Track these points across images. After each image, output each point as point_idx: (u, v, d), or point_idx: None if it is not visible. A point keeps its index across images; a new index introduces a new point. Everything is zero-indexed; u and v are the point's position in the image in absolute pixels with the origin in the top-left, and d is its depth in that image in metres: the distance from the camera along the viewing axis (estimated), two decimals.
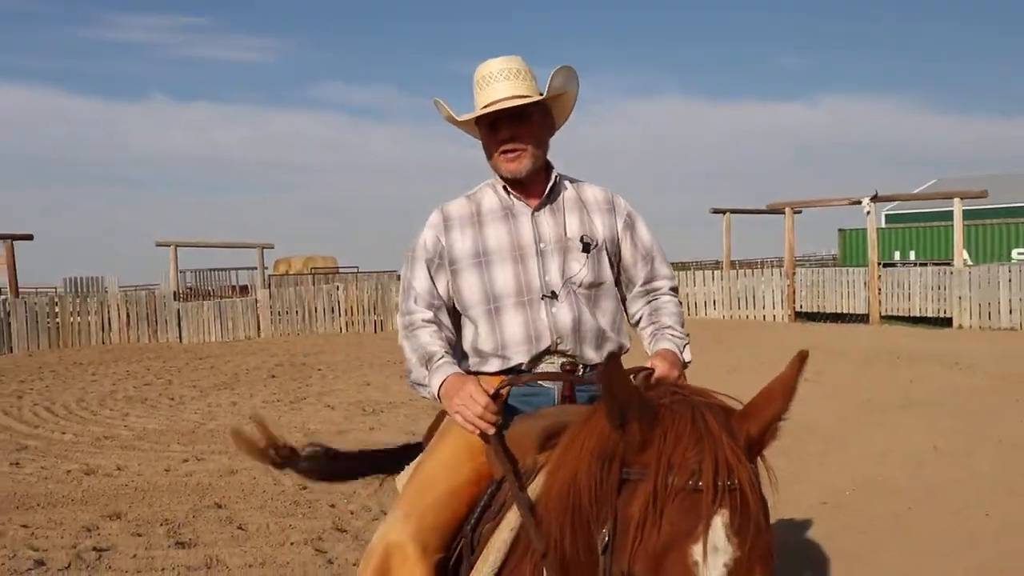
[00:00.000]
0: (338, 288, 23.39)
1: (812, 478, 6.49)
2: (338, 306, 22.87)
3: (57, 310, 20.64)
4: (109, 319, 21.02)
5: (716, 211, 24.14)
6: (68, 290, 22.77)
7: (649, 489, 1.42)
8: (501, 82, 2.43)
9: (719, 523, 1.38)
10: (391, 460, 3.01)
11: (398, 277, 26.12)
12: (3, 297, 21.02)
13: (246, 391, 12.50)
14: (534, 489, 1.99)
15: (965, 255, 21.43)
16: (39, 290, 26.97)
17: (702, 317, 22.37)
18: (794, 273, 22.29)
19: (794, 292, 22.03)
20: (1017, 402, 9.55)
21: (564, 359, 2.44)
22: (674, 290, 2.67)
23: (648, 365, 2.24)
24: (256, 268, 23.94)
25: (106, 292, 22.17)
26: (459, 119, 2.53)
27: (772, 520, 1.49)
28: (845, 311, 21.27)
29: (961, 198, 20.43)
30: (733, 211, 24.32)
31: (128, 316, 21.14)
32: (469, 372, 2.44)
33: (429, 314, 2.50)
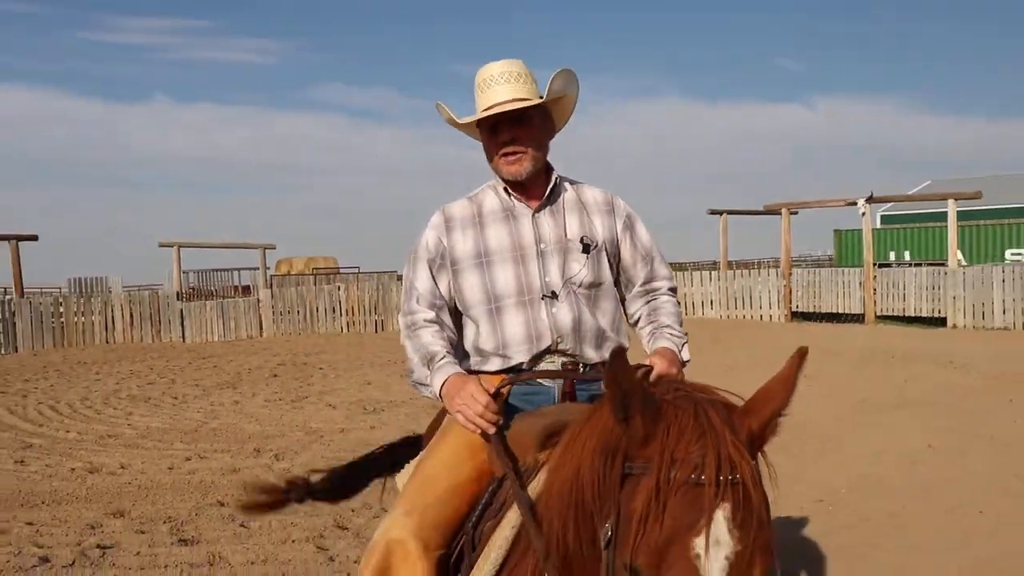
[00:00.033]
0: (339, 288, 23.37)
1: (808, 476, 6.50)
2: (339, 306, 22.86)
3: (61, 310, 20.63)
4: (113, 319, 21.01)
5: (713, 212, 24.14)
6: (72, 290, 22.77)
7: (652, 483, 1.42)
8: (502, 85, 2.44)
9: (721, 517, 1.38)
10: (391, 458, 3.02)
11: (398, 277, 26.21)
12: (8, 297, 21.03)
13: (248, 390, 12.50)
14: (535, 487, 2.00)
15: (959, 255, 21.45)
16: (44, 290, 26.99)
17: (699, 317, 22.37)
18: (790, 273, 22.29)
19: (790, 292, 22.03)
20: (1010, 401, 9.55)
21: (564, 358, 2.45)
22: (673, 290, 2.67)
23: (647, 363, 2.24)
24: (258, 268, 23.93)
25: (110, 292, 22.15)
26: (460, 122, 2.53)
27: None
28: (841, 311, 21.28)
29: (955, 199, 20.46)
30: (730, 212, 24.32)
31: (132, 316, 21.13)
32: (470, 371, 2.45)
33: (431, 314, 2.51)
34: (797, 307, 22.03)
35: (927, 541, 5.16)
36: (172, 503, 6.37)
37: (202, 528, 5.74)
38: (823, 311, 21.57)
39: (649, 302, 2.62)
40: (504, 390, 2.36)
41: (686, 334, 2.54)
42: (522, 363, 2.44)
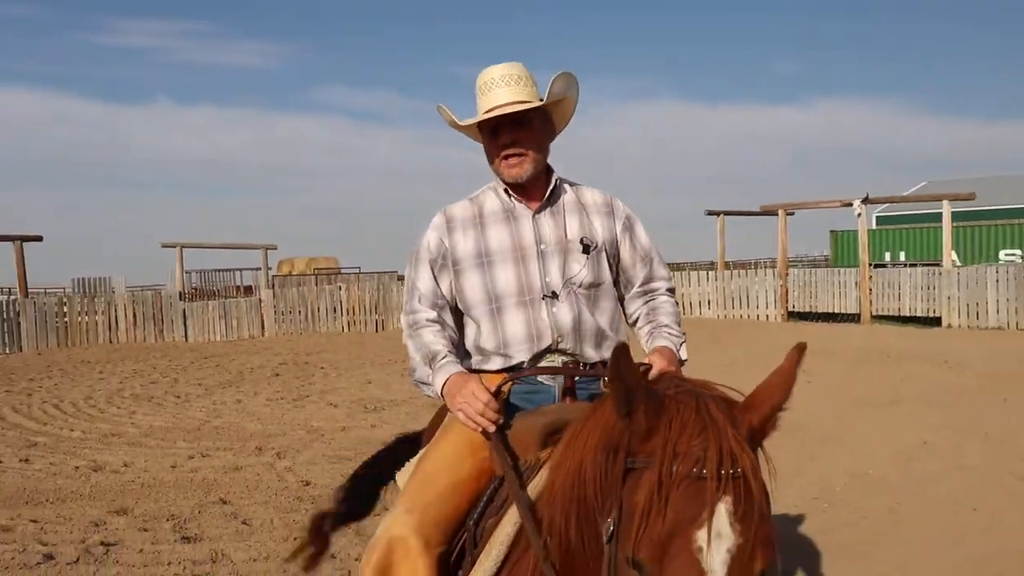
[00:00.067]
0: (340, 288, 23.38)
1: (806, 473, 6.50)
2: (340, 306, 22.87)
3: (65, 310, 20.63)
4: (116, 319, 21.01)
5: (711, 213, 24.16)
6: (76, 290, 22.73)
7: (654, 477, 1.42)
8: (502, 88, 2.44)
9: (723, 510, 1.39)
10: (392, 459, 3.02)
11: (399, 278, 26.20)
12: (13, 297, 21.02)
13: (250, 389, 12.50)
14: (536, 485, 2.00)
15: (954, 256, 21.47)
16: (48, 290, 26.98)
17: (697, 317, 22.38)
18: (787, 273, 22.29)
19: (787, 292, 22.03)
20: (1004, 400, 9.56)
21: (565, 358, 2.45)
22: (671, 291, 2.68)
23: (646, 362, 2.25)
24: (260, 269, 23.93)
25: (113, 292, 22.14)
26: (461, 124, 2.54)
27: None
28: (837, 311, 21.28)
29: (950, 200, 20.47)
30: (727, 213, 24.34)
31: (135, 316, 21.13)
32: (471, 370, 2.45)
33: (433, 313, 2.51)
34: (793, 307, 22.03)
35: (924, 538, 5.16)
36: (175, 501, 6.37)
37: (204, 526, 5.73)
38: (819, 311, 21.57)
39: (648, 302, 2.63)
40: (505, 389, 2.37)
41: (684, 333, 2.54)
42: (523, 362, 2.45)
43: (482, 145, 2.56)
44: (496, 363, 2.47)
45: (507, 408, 2.32)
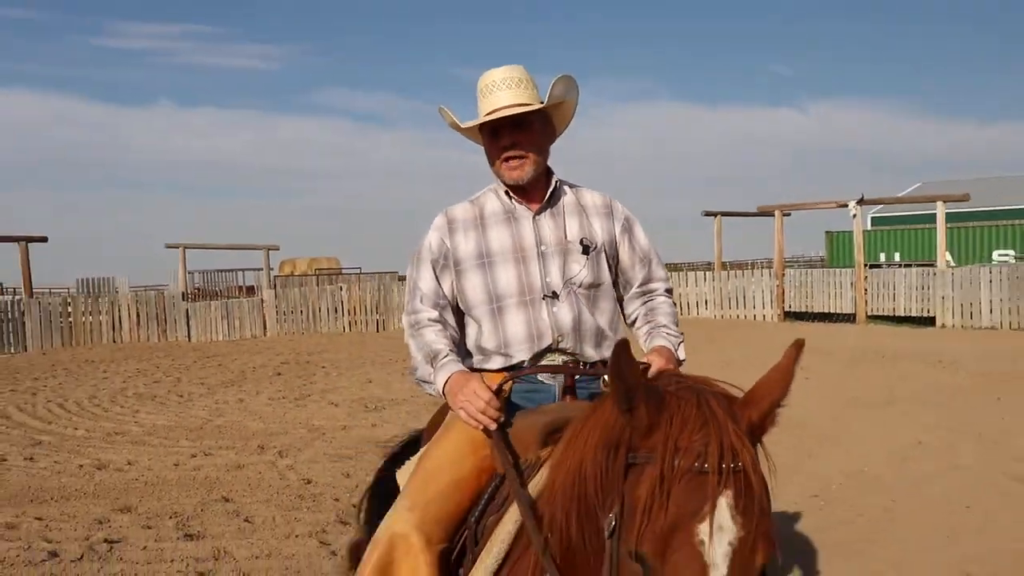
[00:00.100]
0: (341, 288, 23.39)
1: (802, 472, 6.51)
2: (341, 306, 22.88)
3: (70, 310, 20.64)
4: (120, 318, 21.01)
5: (708, 214, 24.19)
6: (80, 290, 22.74)
7: (656, 471, 1.43)
8: (503, 91, 2.45)
9: (724, 504, 1.39)
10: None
11: (399, 278, 26.18)
12: (17, 297, 21.04)
13: (252, 388, 12.50)
14: (536, 484, 2.00)
15: (948, 256, 21.48)
16: (52, 290, 26.95)
17: (694, 317, 22.40)
18: (783, 274, 22.31)
19: (783, 292, 22.05)
20: (998, 399, 9.56)
21: (565, 357, 2.46)
22: (669, 292, 2.69)
23: (645, 361, 2.25)
24: (262, 269, 23.95)
25: (117, 292, 22.15)
26: (463, 126, 2.54)
27: None
28: (832, 311, 21.29)
29: (944, 201, 20.50)
30: (724, 214, 24.37)
31: (138, 315, 21.14)
32: (472, 369, 2.46)
33: (434, 313, 2.52)
34: (790, 307, 22.05)
35: (918, 537, 5.16)
36: (178, 499, 6.37)
37: (207, 523, 5.73)
38: (815, 311, 21.58)
39: (646, 303, 2.64)
40: (505, 387, 2.37)
41: (682, 334, 2.55)
42: (523, 361, 2.45)
43: (483, 147, 2.57)
44: (497, 362, 2.48)
45: (508, 407, 2.32)
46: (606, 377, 2.41)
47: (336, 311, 22.82)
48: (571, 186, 2.63)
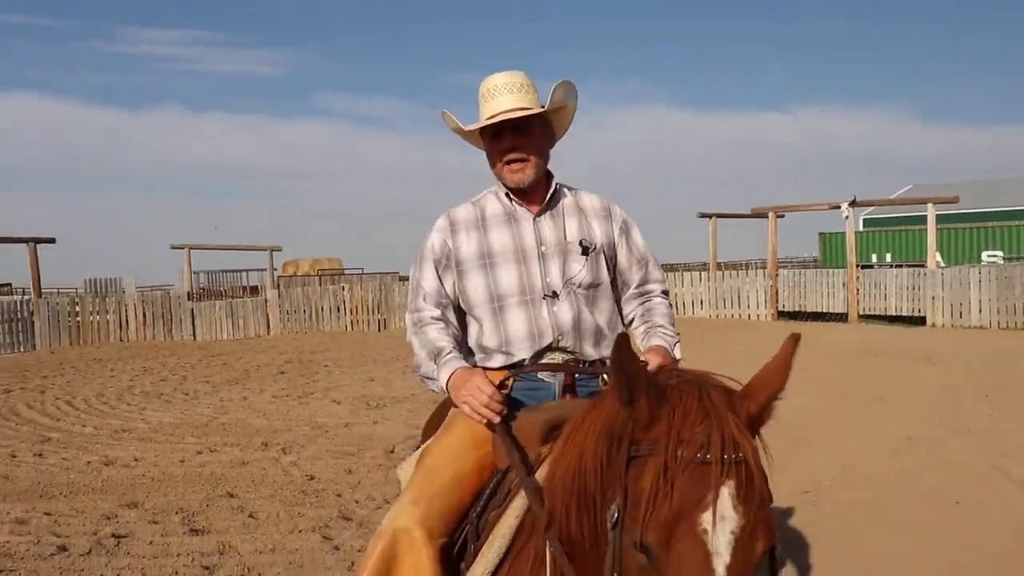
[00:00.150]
0: (343, 288, 23.38)
1: (795, 467, 6.51)
2: (343, 305, 22.87)
3: (78, 309, 20.63)
4: (127, 318, 21.00)
5: (703, 215, 24.20)
6: (88, 290, 22.79)
7: (660, 462, 1.43)
8: (505, 95, 2.46)
9: (726, 493, 1.40)
10: None
11: (401, 278, 26.15)
12: (27, 297, 21.03)
13: (256, 386, 12.49)
14: (537, 479, 2.00)
15: (938, 257, 21.49)
16: (61, 291, 26.95)
17: (690, 316, 22.39)
18: (777, 274, 22.30)
19: (777, 292, 22.05)
20: (986, 396, 9.58)
21: (565, 355, 2.47)
22: (665, 293, 2.70)
23: (642, 359, 2.25)
24: (266, 270, 23.99)
25: (124, 292, 22.19)
26: (465, 129, 2.55)
27: None
28: (825, 310, 21.30)
29: (934, 203, 20.52)
30: (719, 215, 24.38)
31: (145, 315, 21.12)
32: (475, 367, 2.46)
33: (437, 312, 2.53)
34: (783, 307, 22.05)
35: (909, 530, 5.17)
36: (184, 495, 6.37)
37: (212, 519, 5.74)
38: (808, 310, 21.59)
39: (643, 303, 2.65)
40: (508, 382, 2.38)
41: (678, 334, 2.56)
42: (524, 359, 2.46)
43: (484, 151, 2.58)
44: (498, 360, 2.49)
45: (510, 402, 2.33)
46: (605, 376, 2.43)
47: (338, 311, 22.81)
48: (570, 189, 2.64)
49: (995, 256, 26.00)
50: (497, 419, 2.22)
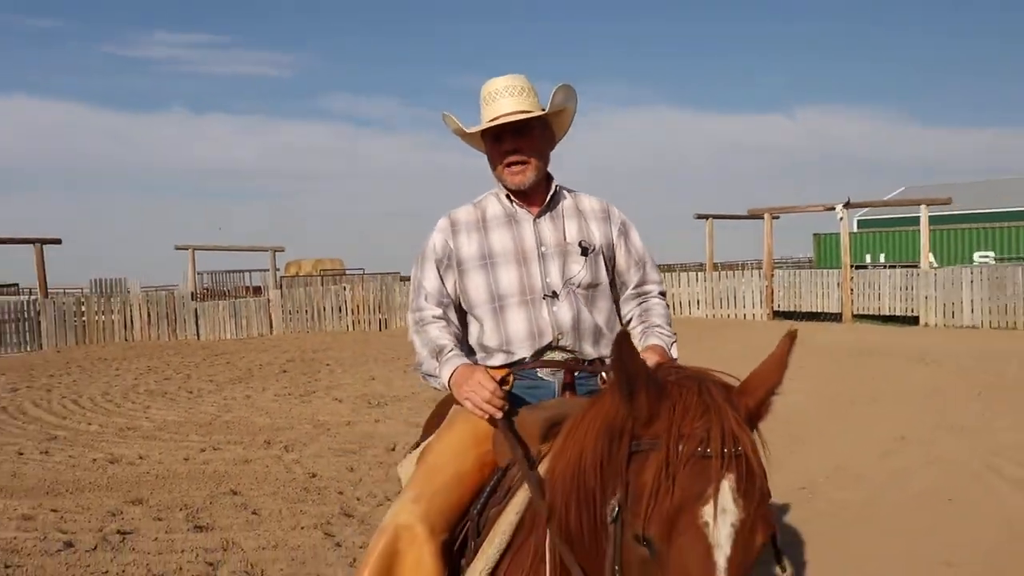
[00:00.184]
0: (345, 289, 23.38)
1: (788, 466, 6.51)
2: (345, 305, 22.87)
3: (83, 309, 20.62)
4: (131, 318, 21.00)
5: (700, 216, 24.20)
6: (93, 291, 22.73)
7: (662, 457, 1.43)
8: (506, 98, 2.47)
9: (727, 487, 1.40)
10: None
11: (401, 278, 26.13)
12: (33, 297, 21.03)
13: (259, 385, 12.50)
14: (539, 474, 2.00)
15: (931, 258, 21.53)
16: (66, 291, 26.93)
17: (686, 316, 22.39)
18: (772, 275, 22.31)
19: (772, 292, 22.06)
20: (979, 395, 9.59)
21: (564, 354, 2.48)
22: (662, 294, 2.71)
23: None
24: (268, 270, 23.96)
25: (128, 292, 22.15)
26: (467, 131, 2.56)
27: None
28: (820, 310, 21.30)
29: (927, 205, 20.54)
30: (716, 216, 24.38)
31: (149, 315, 21.12)
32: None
33: (439, 311, 2.53)
34: (779, 306, 22.05)
35: (901, 528, 5.18)
36: (188, 492, 6.38)
37: (216, 515, 5.74)
38: (803, 310, 21.58)
39: (641, 303, 2.65)
40: (510, 379, 2.39)
41: (675, 334, 2.57)
42: (524, 358, 2.47)
43: (485, 153, 2.59)
44: (499, 359, 2.49)
45: (512, 399, 2.33)
46: (604, 374, 2.44)
47: (340, 310, 22.81)
48: (570, 191, 2.65)
49: (987, 257, 26.00)
50: (499, 415, 2.23)
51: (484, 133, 2.52)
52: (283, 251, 24.85)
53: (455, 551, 2.21)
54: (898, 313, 19.78)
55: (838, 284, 20.96)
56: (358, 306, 22.91)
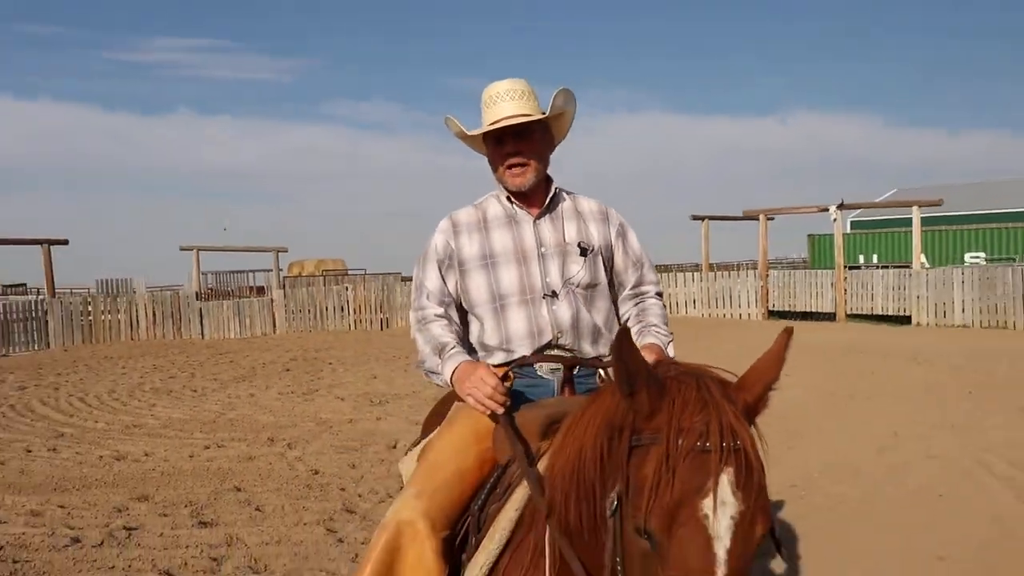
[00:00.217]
0: (347, 288, 23.35)
1: (784, 462, 6.51)
2: (347, 305, 22.85)
3: (90, 309, 20.60)
4: (137, 317, 20.99)
5: (696, 218, 24.19)
6: (100, 290, 22.72)
7: (662, 451, 1.44)
8: (507, 102, 2.47)
9: (726, 480, 1.41)
10: None
11: (403, 278, 26.11)
12: (40, 297, 21.01)
13: (263, 383, 12.49)
14: (539, 470, 2.00)
15: (923, 258, 21.50)
16: (73, 291, 26.91)
17: (683, 316, 22.39)
18: (767, 275, 22.32)
19: (767, 292, 22.06)
20: (970, 393, 9.59)
21: (564, 353, 2.48)
22: (659, 295, 2.71)
23: None
24: (272, 270, 23.91)
25: (134, 292, 22.13)
26: (468, 134, 2.56)
27: None
28: (814, 310, 21.30)
29: (919, 206, 20.52)
30: (711, 218, 24.38)
31: (154, 314, 21.11)
32: None
33: (440, 309, 2.54)
34: (774, 306, 22.06)
35: (895, 524, 5.18)
36: (192, 488, 6.37)
37: (220, 511, 5.74)
38: (798, 310, 21.59)
39: (638, 304, 2.66)
40: (511, 375, 2.39)
41: (671, 333, 2.57)
42: (525, 357, 2.47)
43: (485, 155, 2.60)
44: (499, 358, 2.49)
45: (513, 396, 2.33)
46: (601, 372, 2.44)
47: (342, 310, 22.80)
48: (569, 193, 2.66)
49: (977, 257, 26.03)
50: (501, 410, 2.23)
51: (485, 136, 2.52)
52: (286, 252, 24.80)
53: (456, 547, 2.21)
54: (891, 313, 19.79)
55: (832, 284, 20.97)
56: (360, 306, 22.89)
